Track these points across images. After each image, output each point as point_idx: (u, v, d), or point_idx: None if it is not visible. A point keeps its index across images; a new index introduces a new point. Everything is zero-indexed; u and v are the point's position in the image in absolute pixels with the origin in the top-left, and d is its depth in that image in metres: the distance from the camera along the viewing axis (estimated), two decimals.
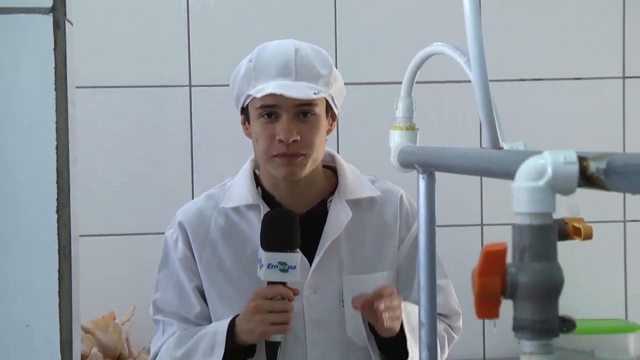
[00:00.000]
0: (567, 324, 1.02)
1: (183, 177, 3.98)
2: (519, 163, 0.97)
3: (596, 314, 4.15)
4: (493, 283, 0.97)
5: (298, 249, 2.24)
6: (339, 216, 2.41)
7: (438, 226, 1.66)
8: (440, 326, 2.45)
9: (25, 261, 1.73)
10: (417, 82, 1.78)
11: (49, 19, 1.82)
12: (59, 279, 1.73)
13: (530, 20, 4.23)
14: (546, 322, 0.98)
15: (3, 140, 1.66)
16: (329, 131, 2.43)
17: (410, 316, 2.29)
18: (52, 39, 1.83)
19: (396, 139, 1.79)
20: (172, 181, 3.90)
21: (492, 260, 0.97)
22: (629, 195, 4.18)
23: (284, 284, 2.22)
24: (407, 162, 1.71)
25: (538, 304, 0.98)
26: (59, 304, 1.73)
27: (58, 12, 1.82)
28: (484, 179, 3.94)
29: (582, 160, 0.95)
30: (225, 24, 4.06)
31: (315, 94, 2.23)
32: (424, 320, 1.66)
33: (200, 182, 3.83)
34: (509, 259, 0.99)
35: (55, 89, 1.79)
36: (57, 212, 1.72)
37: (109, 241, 3.87)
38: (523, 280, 0.97)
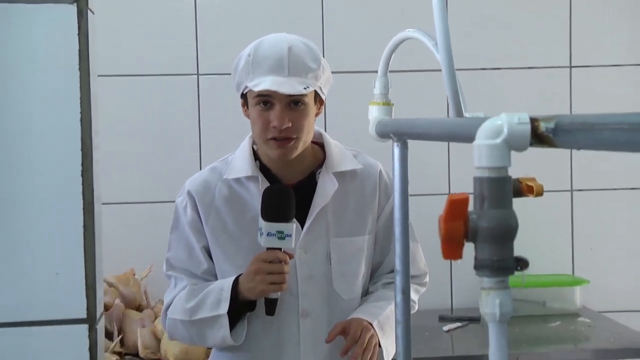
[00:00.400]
0: (521, 263, 1.01)
1: (192, 153, 4.09)
2: (479, 127, 0.98)
3: (547, 270, 4.16)
4: (457, 228, 0.98)
5: (294, 220, 2.32)
6: (326, 187, 2.48)
7: (410, 195, 1.69)
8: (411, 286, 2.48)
9: (54, 217, 1.74)
10: (394, 71, 1.81)
11: (73, 8, 1.82)
12: (84, 232, 1.74)
13: (491, 14, 4.27)
14: (503, 261, 0.98)
15: (36, 113, 1.65)
16: (317, 114, 2.49)
17: (384, 327, 2.46)
18: (76, 25, 1.82)
19: (374, 113, 1.81)
20: (182, 156, 3.97)
21: (455, 207, 0.98)
22: (575, 168, 4.30)
23: (280, 249, 2.29)
24: (384, 132, 1.73)
25: (496, 245, 0.98)
26: (84, 254, 1.74)
27: (81, 2, 1.82)
28: (451, 154, 3.97)
29: (533, 121, 0.95)
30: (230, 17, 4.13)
31: (305, 88, 2.30)
32: (398, 268, 1.71)
33: (207, 156, 3.87)
34: (470, 207, 0.99)
35: (79, 69, 1.78)
36: (82, 174, 1.73)
37: (129, 208, 3.98)
38: (483, 225, 0.97)
